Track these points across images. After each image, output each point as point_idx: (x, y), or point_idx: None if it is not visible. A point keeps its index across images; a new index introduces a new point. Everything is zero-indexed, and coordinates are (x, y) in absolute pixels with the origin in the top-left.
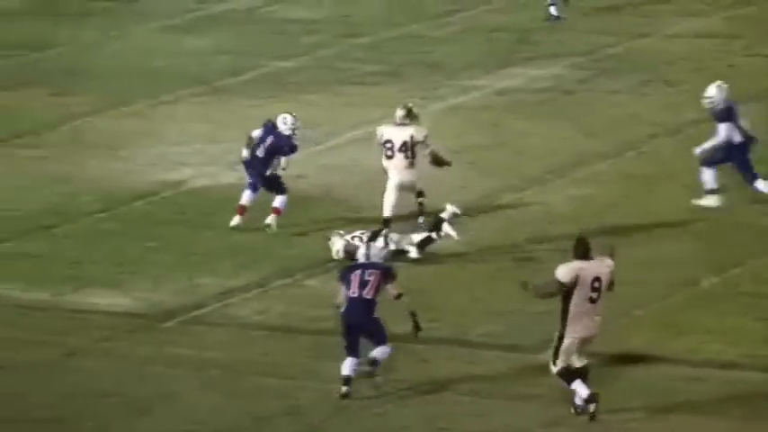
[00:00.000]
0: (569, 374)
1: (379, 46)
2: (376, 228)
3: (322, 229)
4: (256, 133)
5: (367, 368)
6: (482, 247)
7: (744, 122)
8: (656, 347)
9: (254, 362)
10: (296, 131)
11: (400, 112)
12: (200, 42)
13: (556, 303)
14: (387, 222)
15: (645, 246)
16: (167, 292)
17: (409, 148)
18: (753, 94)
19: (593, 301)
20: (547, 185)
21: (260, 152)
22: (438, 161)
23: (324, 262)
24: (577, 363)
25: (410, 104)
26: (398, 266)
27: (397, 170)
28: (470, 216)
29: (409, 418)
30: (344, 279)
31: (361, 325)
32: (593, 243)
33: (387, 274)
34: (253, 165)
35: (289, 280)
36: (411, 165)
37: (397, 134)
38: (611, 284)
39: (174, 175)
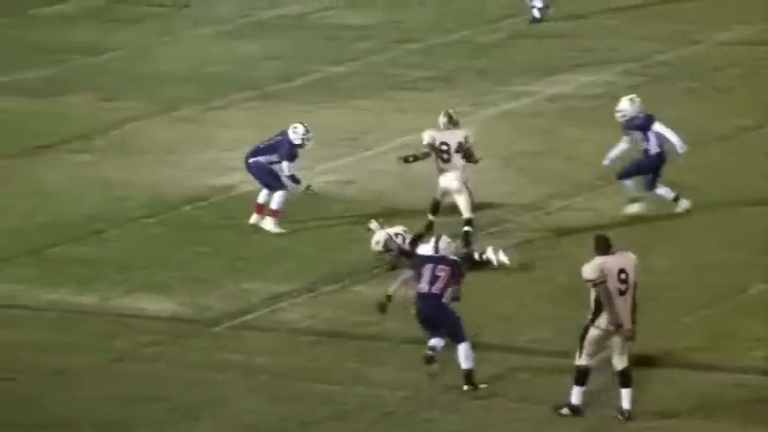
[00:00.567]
0: (579, 375)
1: (431, 52)
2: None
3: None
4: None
5: (465, 387)
6: (529, 252)
7: (668, 134)
8: (703, 353)
9: (301, 367)
10: (306, 142)
11: (443, 119)
12: (252, 48)
13: None
14: (431, 226)
15: (694, 252)
16: (215, 298)
17: (464, 150)
18: None
19: (622, 293)
20: (597, 192)
21: (261, 145)
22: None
23: (372, 267)
24: (618, 364)
25: (450, 110)
26: None
27: (451, 173)
28: (519, 223)
29: (458, 424)
30: (415, 270)
31: (433, 320)
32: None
33: (456, 272)
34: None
35: (337, 285)
36: (464, 168)
37: (451, 137)
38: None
39: (223, 180)
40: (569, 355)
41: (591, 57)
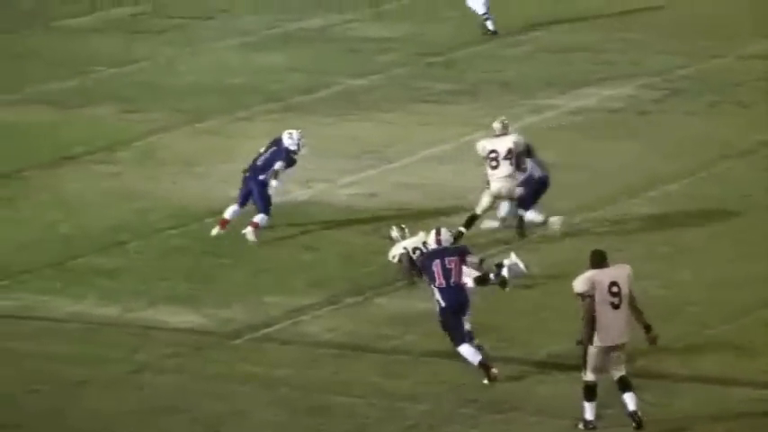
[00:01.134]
0: (587, 390)
1: (454, 65)
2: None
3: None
4: (263, 149)
5: (489, 374)
6: (552, 266)
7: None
8: (726, 368)
9: (322, 380)
10: (300, 147)
11: (498, 125)
12: (275, 60)
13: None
14: (473, 219)
15: (717, 266)
16: (238, 310)
17: (513, 156)
18: None
19: (615, 306)
20: (619, 205)
21: (260, 161)
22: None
23: (394, 280)
24: (616, 373)
25: (503, 118)
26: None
27: (500, 179)
28: (542, 236)
29: None
30: (426, 269)
31: (462, 307)
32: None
33: (464, 255)
34: (250, 172)
35: (359, 298)
36: (514, 173)
37: (501, 144)
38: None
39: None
40: None
41: (614, 70)
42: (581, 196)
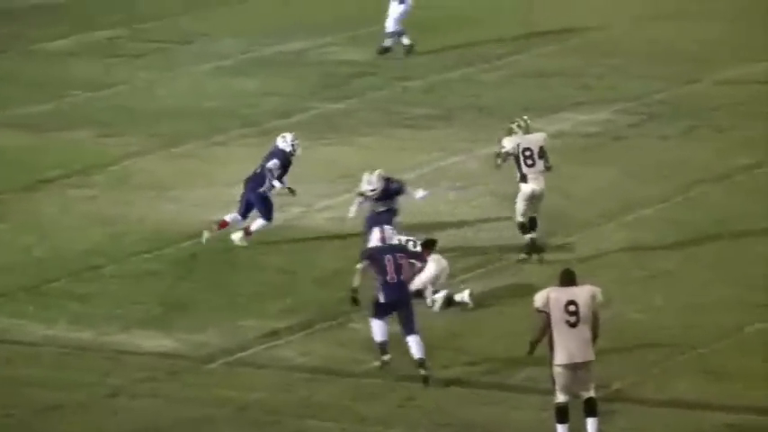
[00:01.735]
0: (557, 413)
1: (431, 89)
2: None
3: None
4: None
5: (423, 372)
6: (526, 290)
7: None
8: (700, 393)
9: (296, 404)
10: (295, 148)
11: (523, 123)
12: (252, 84)
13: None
14: (524, 227)
15: (692, 291)
16: (212, 334)
17: (545, 153)
18: None
19: (571, 325)
20: (594, 229)
21: (258, 169)
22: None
23: (367, 305)
24: (584, 394)
25: (525, 117)
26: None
27: (536, 177)
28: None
29: None
30: (375, 263)
31: (401, 304)
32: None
33: (412, 255)
34: (250, 181)
35: (333, 322)
36: (544, 172)
37: (533, 141)
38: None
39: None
40: None
41: (590, 95)
42: (557, 220)
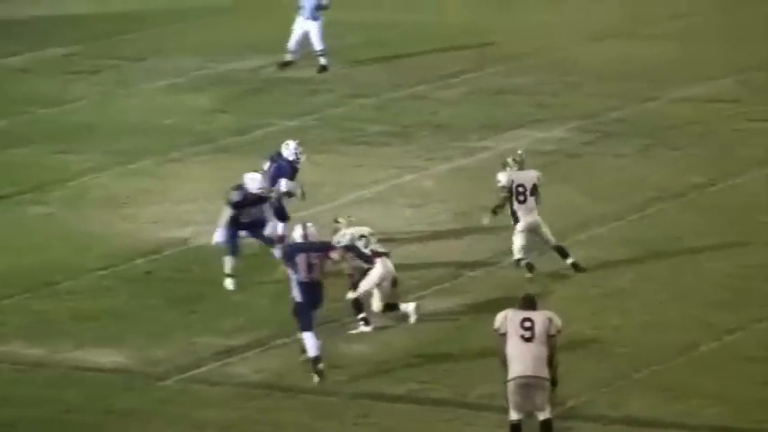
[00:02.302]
0: (511, 430)
1: (386, 106)
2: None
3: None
4: (266, 166)
5: (317, 368)
6: (481, 307)
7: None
8: (655, 410)
9: (252, 420)
10: (299, 156)
11: (518, 158)
12: (207, 101)
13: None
14: (519, 263)
15: (647, 309)
16: (166, 351)
17: (537, 190)
18: (757, 160)
19: (525, 339)
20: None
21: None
22: None
23: (323, 322)
24: (539, 415)
25: (520, 152)
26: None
27: (528, 213)
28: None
29: None
30: (290, 260)
31: (316, 303)
32: None
33: (328, 250)
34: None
35: (287, 339)
36: (536, 207)
37: (527, 177)
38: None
39: (177, 233)
40: None
41: (546, 113)
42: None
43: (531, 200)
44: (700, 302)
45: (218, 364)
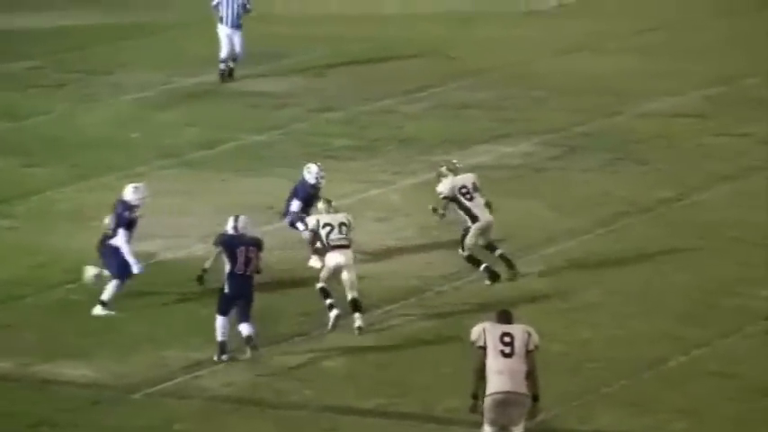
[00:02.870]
0: None
1: (352, 121)
2: None
3: (293, 304)
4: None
5: (250, 347)
6: (448, 321)
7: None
8: (622, 425)
9: None
10: (320, 180)
11: (452, 166)
12: (172, 115)
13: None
14: (472, 259)
15: (615, 323)
16: (135, 364)
17: (479, 188)
18: (723, 175)
19: (505, 355)
20: (516, 262)
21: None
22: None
23: (291, 336)
24: (513, 430)
25: (453, 160)
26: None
27: (482, 210)
28: (439, 293)
29: None
30: (229, 250)
31: (243, 297)
32: None
33: (261, 248)
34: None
35: (257, 353)
36: (485, 204)
37: (466, 178)
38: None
39: (144, 247)
40: None
41: (511, 127)
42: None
43: (478, 196)
44: (668, 317)
45: (188, 377)
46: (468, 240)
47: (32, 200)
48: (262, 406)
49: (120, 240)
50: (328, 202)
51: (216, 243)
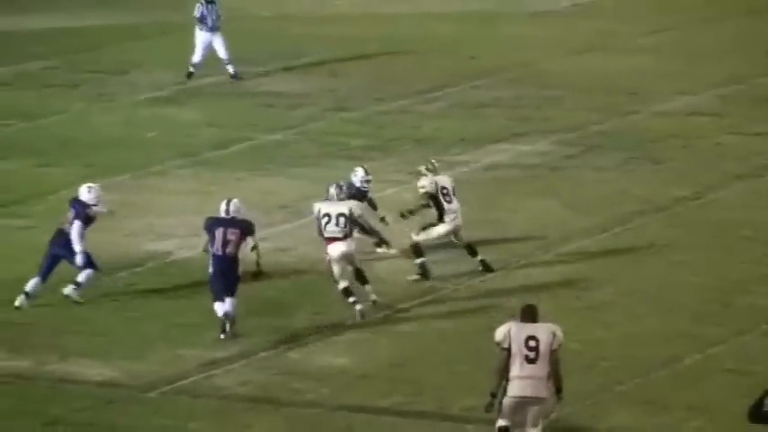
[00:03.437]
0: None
1: (368, 120)
2: None
3: (308, 302)
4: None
5: (227, 323)
6: (464, 321)
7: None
8: (637, 423)
9: None
10: (365, 184)
11: (431, 166)
12: (189, 114)
13: None
14: (417, 250)
15: (630, 321)
16: (150, 363)
17: (455, 192)
18: (737, 174)
19: (530, 360)
20: (532, 261)
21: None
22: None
23: (306, 334)
24: (530, 430)
25: (433, 160)
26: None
27: (455, 215)
28: (455, 292)
29: None
30: (210, 232)
31: (224, 276)
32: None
33: (246, 230)
34: None
35: (271, 351)
36: (459, 209)
37: (446, 180)
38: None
39: (159, 246)
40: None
41: (528, 126)
42: (494, 252)
43: (455, 200)
44: (683, 315)
45: (202, 376)
46: (430, 235)
47: (48, 200)
48: (277, 404)
49: (74, 233)
50: (340, 187)
51: (204, 228)
